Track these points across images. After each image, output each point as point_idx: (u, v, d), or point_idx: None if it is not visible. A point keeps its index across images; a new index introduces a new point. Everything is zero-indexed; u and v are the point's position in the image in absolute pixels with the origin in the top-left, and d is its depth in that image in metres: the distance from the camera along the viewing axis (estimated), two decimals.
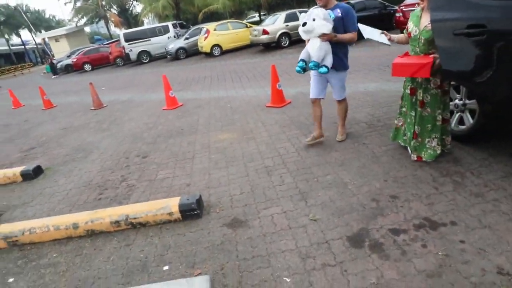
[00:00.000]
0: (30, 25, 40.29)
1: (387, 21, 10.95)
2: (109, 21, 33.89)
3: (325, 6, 2.96)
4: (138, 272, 2.11)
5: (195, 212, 2.56)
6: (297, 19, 13.19)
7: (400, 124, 3.01)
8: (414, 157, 2.83)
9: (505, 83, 2.26)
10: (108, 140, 5.11)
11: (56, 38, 31.45)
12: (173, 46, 16.28)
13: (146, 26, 23.99)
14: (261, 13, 29.82)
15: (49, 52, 30.73)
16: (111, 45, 20.18)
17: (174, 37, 17.79)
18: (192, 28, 17.86)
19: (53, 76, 20.66)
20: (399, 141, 3.07)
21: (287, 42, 13.13)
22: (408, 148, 2.92)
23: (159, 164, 3.77)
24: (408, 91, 2.75)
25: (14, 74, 30.80)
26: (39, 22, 46.90)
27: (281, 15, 13.25)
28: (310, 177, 2.89)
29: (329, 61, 2.99)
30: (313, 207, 2.46)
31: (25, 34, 47.08)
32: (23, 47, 47.36)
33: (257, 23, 18.08)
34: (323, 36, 2.89)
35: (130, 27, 30.47)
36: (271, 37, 12.74)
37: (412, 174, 2.68)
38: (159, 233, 2.47)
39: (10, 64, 40.67)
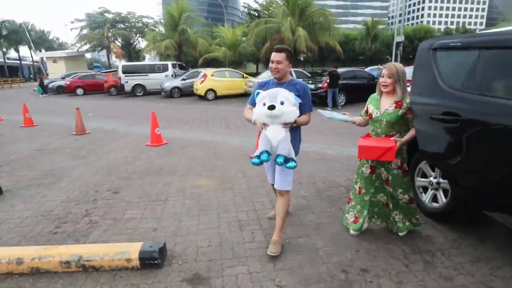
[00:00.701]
0: (31, 42, 40.98)
1: (374, 91, 11.69)
2: (111, 52, 34.85)
3: (279, 80, 2.56)
4: None
5: (156, 262, 2.38)
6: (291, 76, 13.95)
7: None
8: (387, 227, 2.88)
9: (473, 169, 2.36)
10: (82, 168, 4.91)
11: (55, 59, 31.83)
12: (169, 84, 16.68)
13: (146, 61, 24.79)
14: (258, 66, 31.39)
15: (44, 71, 30.85)
16: (108, 74, 20.50)
17: (172, 76, 18.31)
18: (191, 71, 18.53)
19: (40, 95, 20.45)
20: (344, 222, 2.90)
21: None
22: (350, 226, 2.83)
23: (129, 203, 3.60)
24: (366, 170, 2.71)
25: (2, 87, 30.42)
26: (41, 41, 47.90)
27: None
28: (282, 237, 2.79)
29: (293, 153, 2.45)
30: (281, 272, 2.33)
31: (24, 50, 47.61)
32: (19, 62, 47.53)
33: (255, 75, 18.97)
34: (287, 125, 2.40)
35: (130, 60, 31.42)
36: None
37: (384, 247, 2.63)
38: (111, 281, 2.26)
39: (1, 77, 40.40)
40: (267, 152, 2.35)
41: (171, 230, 2.97)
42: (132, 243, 2.50)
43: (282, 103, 2.30)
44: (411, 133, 2.54)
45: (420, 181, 3.21)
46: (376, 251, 2.58)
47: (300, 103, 2.44)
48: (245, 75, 16.38)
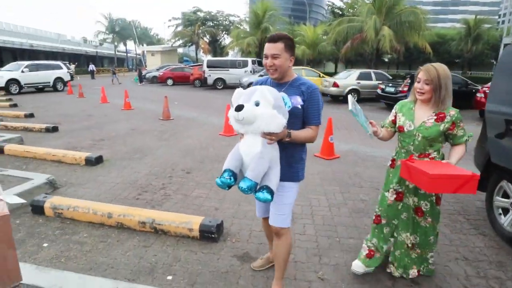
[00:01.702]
0: (137, 38, 46.89)
1: (467, 99, 10.39)
2: (199, 47, 37.76)
3: (279, 80, 1.84)
4: (145, 273, 2.26)
5: (213, 236, 2.68)
6: (370, 78, 13.33)
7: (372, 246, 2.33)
8: (413, 272, 2.26)
9: None
10: (164, 149, 5.61)
11: (153, 53, 35.95)
12: (247, 79, 17.42)
13: (229, 57, 26.26)
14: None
15: (143, 63, 35.09)
16: (194, 67, 22.38)
17: (251, 72, 19.09)
18: None
19: (138, 84, 23.41)
20: (361, 262, 2.31)
21: (355, 99, 13.21)
22: (365, 264, 2.29)
23: (198, 183, 4.03)
24: (391, 196, 2.19)
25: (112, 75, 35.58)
26: (144, 37, 54.46)
27: (355, 72, 13.52)
28: (333, 235, 2.83)
29: (274, 180, 1.67)
30: (325, 266, 2.40)
31: (130, 44, 54.81)
32: (125, 54, 54.95)
33: (333, 74, 18.56)
34: (269, 136, 1.62)
35: (215, 56, 33.56)
36: (340, 90, 12.95)
37: (443, 264, 2.47)
38: (175, 244, 2.63)
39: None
40: (229, 171, 1.62)
41: (230, 212, 3.26)
42: (195, 216, 2.85)
43: (257, 104, 1.57)
44: (460, 153, 1.98)
45: (500, 201, 2.88)
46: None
47: (302, 110, 1.80)
48: (321, 74, 16.15)
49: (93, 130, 7.11)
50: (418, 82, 1.98)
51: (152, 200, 3.48)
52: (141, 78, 23.97)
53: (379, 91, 11.93)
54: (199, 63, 26.00)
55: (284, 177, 1.81)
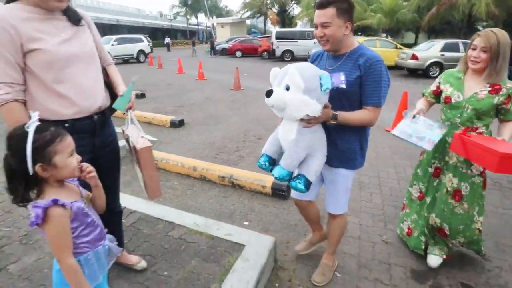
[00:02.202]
0: (207, 11, 48.15)
1: None
2: (268, 18, 37.33)
3: (335, 51, 1.62)
4: (225, 217, 2.65)
5: (283, 194, 2.95)
6: (457, 50, 11.86)
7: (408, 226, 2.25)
8: (438, 258, 2.08)
9: None
10: (236, 117, 6.01)
11: (222, 25, 36.79)
12: (315, 51, 16.95)
13: (297, 28, 25.56)
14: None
15: (213, 35, 36.23)
16: (262, 39, 22.41)
17: None
18: None
19: (209, 56, 24.43)
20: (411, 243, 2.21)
21: (437, 73, 11.97)
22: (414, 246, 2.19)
23: None
24: (430, 169, 2.07)
25: (184, 47, 37.63)
26: (214, 9, 55.62)
27: (439, 43, 12.10)
28: (399, 206, 2.88)
29: (312, 169, 1.55)
30: (390, 232, 2.50)
31: (200, 17, 56.71)
32: (196, 27, 57.12)
33: (412, 45, 16.96)
34: (306, 122, 1.50)
35: (284, 27, 32.91)
36: (420, 63, 11.84)
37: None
38: (249, 197, 2.98)
39: (184, 39, 49.98)
40: (266, 156, 1.62)
41: None
42: (268, 175, 3.14)
43: (287, 88, 1.43)
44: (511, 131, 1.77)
45: None
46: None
47: (358, 88, 1.56)
48: (398, 46, 14.88)
49: (173, 97, 7.87)
50: (474, 49, 1.78)
51: (228, 160, 3.88)
52: (214, 50, 24.90)
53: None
54: (267, 35, 25.90)
55: (337, 163, 1.70)
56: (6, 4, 1.27)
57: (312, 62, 1.78)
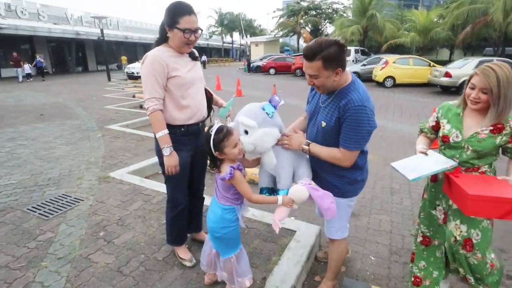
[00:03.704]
0: (243, 30, 50.24)
1: None
2: (302, 37, 38.31)
3: (322, 91, 1.66)
4: None
5: None
6: None
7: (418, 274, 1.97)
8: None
9: None
10: None
11: (256, 43, 38.24)
12: (349, 69, 17.00)
13: None
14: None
15: (247, 53, 37.70)
16: (296, 57, 23.17)
17: (353, 61, 18.86)
18: (373, 56, 18.45)
19: (246, 73, 25.52)
20: None
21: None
22: None
23: None
24: (441, 215, 1.84)
25: (219, 65, 39.44)
26: (248, 28, 57.75)
27: (473, 61, 12.12)
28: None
29: (305, 176, 1.74)
30: None
31: (235, 35, 59.09)
32: (231, 45, 59.53)
33: (446, 62, 16.86)
34: (281, 142, 1.71)
35: None
36: (453, 81, 11.88)
37: None
38: None
39: (219, 56, 52.30)
40: (266, 189, 1.81)
41: None
42: None
43: (246, 133, 1.62)
44: None
45: None
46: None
47: (334, 127, 1.60)
48: (432, 64, 14.92)
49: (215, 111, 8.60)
50: (472, 88, 1.60)
51: None
52: (250, 68, 25.99)
53: None
54: (300, 53, 26.67)
55: (329, 190, 1.66)
56: (157, 46, 1.94)
57: (311, 91, 1.86)
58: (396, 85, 14.84)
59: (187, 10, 1.82)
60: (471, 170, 1.68)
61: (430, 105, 10.27)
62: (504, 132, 1.58)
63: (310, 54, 1.48)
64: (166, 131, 1.90)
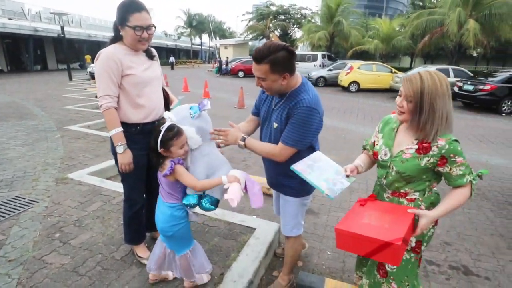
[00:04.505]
0: (212, 32, 49.99)
1: None
2: (270, 40, 38.81)
3: (269, 93, 1.74)
4: (236, 211, 3.21)
5: None
6: (447, 76, 12.74)
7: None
8: None
9: None
10: None
11: (225, 46, 38.24)
12: (316, 73, 17.89)
13: (298, 51, 26.77)
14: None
15: (216, 55, 37.56)
16: None
17: (320, 66, 19.47)
18: (339, 62, 19.19)
19: (217, 75, 25.40)
20: None
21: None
22: None
23: None
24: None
25: (187, 66, 38.93)
26: (218, 30, 57.65)
27: (431, 68, 12.98)
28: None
29: (216, 188, 1.75)
30: None
31: (204, 37, 58.67)
32: (199, 47, 58.98)
33: (408, 70, 17.93)
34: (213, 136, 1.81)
35: None
36: None
37: None
38: None
39: (187, 58, 51.61)
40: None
41: None
42: None
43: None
44: (455, 199, 1.36)
45: None
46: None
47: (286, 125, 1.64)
48: (393, 70, 15.81)
49: None
50: (400, 95, 1.41)
51: (236, 167, 4.46)
52: (221, 71, 25.84)
53: (456, 89, 11.41)
54: None
55: (284, 190, 1.82)
56: (111, 44, 1.93)
57: (263, 92, 1.90)
58: (360, 90, 15.53)
59: (137, 7, 1.82)
60: (398, 195, 1.48)
61: (391, 109, 10.88)
62: (430, 153, 1.35)
63: (258, 57, 1.51)
64: (120, 128, 1.90)
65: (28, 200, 3.14)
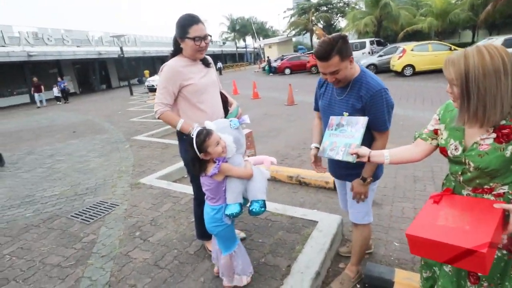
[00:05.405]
0: (255, 33, 50.61)
1: None
2: (314, 34, 38.08)
3: (342, 84, 1.75)
4: (297, 205, 3.26)
5: None
6: None
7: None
8: None
9: None
10: (293, 128, 6.67)
11: (270, 45, 38.43)
12: (365, 61, 17.08)
13: None
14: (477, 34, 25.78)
15: (261, 56, 37.91)
16: (310, 55, 23.07)
17: (369, 53, 18.56)
18: (389, 46, 18.07)
19: (269, 74, 25.28)
20: None
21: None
22: None
23: None
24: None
25: (234, 70, 39.90)
26: (260, 31, 58.13)
27: (497, 40, 11.62)
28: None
29: (256, 190, 1.85)
30: None
31: (248, 39, 59.57)
32: (244, 49, 60.04)
33: (469, 44, 16.22)
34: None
35: None
36: None
37: None
38: (315, 192, 3.57)
39: (233, 62, 52.91)
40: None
41: None
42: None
43: None
44: None
45: None
46: None
47: (362, 114, 1.67)
48: (453, 47, 14.41)
49: None
50: None
51: (292, 164, 4.52)
52: (271, 69, 25.46)
53: None
54: None
55: (348, 178, 1.93)
56: (172, 57, 2.13)
57: (320, 87, 2.00)
58: (416, 73, 14.45)
59: (194, 20, 2.00)
60: (481, 191, 1.23)
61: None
62: None
63: (325, 55, 1.57)
64: (182, 120, 2.08)
65: (110, 204, 3.55)
